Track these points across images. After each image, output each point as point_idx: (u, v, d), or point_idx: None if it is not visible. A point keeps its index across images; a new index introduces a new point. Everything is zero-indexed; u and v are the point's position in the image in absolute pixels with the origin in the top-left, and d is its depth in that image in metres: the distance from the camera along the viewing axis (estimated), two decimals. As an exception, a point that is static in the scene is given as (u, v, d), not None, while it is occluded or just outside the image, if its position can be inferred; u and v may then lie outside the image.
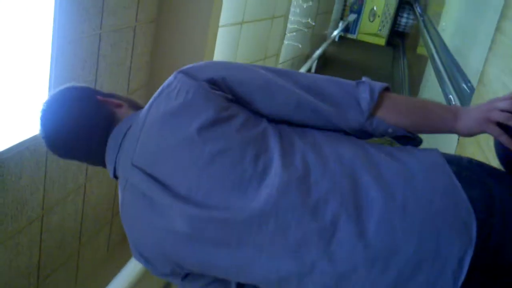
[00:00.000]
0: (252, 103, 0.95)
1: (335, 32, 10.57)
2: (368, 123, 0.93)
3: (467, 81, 3.41)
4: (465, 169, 0.87)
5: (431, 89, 4.97)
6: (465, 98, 3.31)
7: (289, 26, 6.48)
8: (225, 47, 4.38)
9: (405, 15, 12.04)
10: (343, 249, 0.79)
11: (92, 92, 1.12)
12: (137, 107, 1.11)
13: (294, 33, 7.00)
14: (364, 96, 0.93)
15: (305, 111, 0.94)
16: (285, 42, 6.38)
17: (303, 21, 7.20)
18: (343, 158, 0.87)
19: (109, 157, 1.01)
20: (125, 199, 0.97)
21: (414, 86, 6.67)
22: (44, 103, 1.07)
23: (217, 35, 3.49)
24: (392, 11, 11.98)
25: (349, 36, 12.44)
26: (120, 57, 2.93)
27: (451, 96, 3.67)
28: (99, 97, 1.09)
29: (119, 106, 1.09)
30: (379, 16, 12.14)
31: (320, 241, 0.80)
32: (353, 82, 0.97)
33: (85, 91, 1.12)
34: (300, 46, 7.44)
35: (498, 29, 2.84)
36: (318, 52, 8.13)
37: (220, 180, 0.86)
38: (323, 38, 9.50)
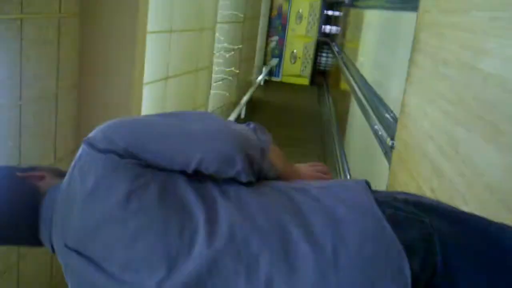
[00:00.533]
0: (160, 165, 0.89)
1: (260, 77, 10.82)
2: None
3: (389, 111, 3.56)
4: (400, 210, 0.85)
5: (358, 122, 5.14)
6: (390, 127, 3.44)
7: (214, 76, 6.57)
8: (152, 103, 4.35)
9: (324, 54, 12.54)
10: None
11: (10, 170, 1.06)
12: (62, 174, 1.04)
13: (220, 82, 7.10)
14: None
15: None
16: (212, 91, 6.44)
17: (227, 69, 7.32)
18: (269, 212, 0.83)
19: (43, 236, 0.94)
20: (68, 282, 0.92)
21: (342, 121, 6.88)
22: None
23: (142, 92, 3.46)
24: (311, 52, 12.46)
25: (274, 79, 12.77)
26: (43, 127, 2.84)
27: (376, 126, 3.81)
28: (18, 173, 1.02)
29: (42, 178, 1.03)
30: (299, 58, 12.58)
31: None
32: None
33: (2, 171, 1.07)
34: (227, 94, 7.53)
35: (411, 61, 3.00)
36: (245, 98, 8.26)
37: (147, 258, 0.81)
38: (249, 84, 9.68)
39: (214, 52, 6.18)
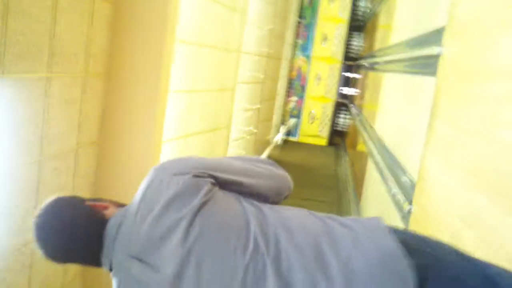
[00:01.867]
0: (228, 186, 1.17)
1: (278, 136, 10.89)
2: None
3: (407, 175, 3.53)
4: (410, 238, 1.07)
5: (374, 184, 5.10)
6: (407, 191, 3.40)
7: (233, 134, 6.64)
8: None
9: (342, 115, 12.63)
10: None
11: (80, 200, 1.29)
12: (120, 205, 1.30)
13: (238, 141, 7.16)
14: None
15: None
16: (230, 149, 6.49)
17: (246, 129, 7.40)
18: (307, 229, 1.06)
19: (106, 253, 1.15)
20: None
21: (358, 182, 6.83)
22: (38, 216, 1.21)
23: (160, 151, 3.50)
24: (329, 112, 12.57)
25: (291, 138, 12.83)
26: (61, 182, 2.86)
27: (394, 190, 3.77)
28: (88, 203, 1.26)
29: (106, 208, 1.27)
30: (317, 118, 12.68)
31: None
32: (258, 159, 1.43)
33: (74, 200, 1.29)
34: (244, 152, 7.57)
35: (429, 126, 3.00)
36: (262, 156, 8.29)
37: (209, 258, 1.00)
38: (267, 143, 9.74)
39: (233, 111, 6.28)
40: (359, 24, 12.19)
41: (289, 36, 11.33)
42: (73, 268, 3.20)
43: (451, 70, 2.77)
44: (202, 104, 4.98)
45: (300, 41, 12.48)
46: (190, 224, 1.03)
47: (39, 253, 1.20)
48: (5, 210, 2.44)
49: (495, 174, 1.90)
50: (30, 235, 2.61)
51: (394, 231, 1.06)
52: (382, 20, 8.43)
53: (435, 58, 3.12)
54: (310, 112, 12.68)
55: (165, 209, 1.07)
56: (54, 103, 2.64)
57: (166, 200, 1.08)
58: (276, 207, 1.18)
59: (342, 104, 12.54)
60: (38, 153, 2.57)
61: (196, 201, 1.06)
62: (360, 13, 12.28)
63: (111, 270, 1.12)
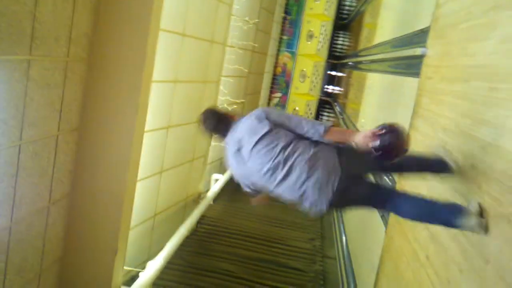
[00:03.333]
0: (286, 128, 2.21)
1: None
2: (322, 139, 2.13)
3: (388, 174, 3.56)
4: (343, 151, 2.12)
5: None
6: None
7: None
8: (152, 150, 4.36)
9: (325, 113, 12.68)
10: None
11: (225, 111, 2.47)
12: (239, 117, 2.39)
13: (221, 134, 7.13)
14: (321, 129, 2.13)
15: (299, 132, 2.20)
16: (213, 143, 6.48)
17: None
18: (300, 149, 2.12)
19: (229, 134, 2.32)
20: (230, 157, 2.32)
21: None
22: (203, 112, 2.43)
23: (142, 141, 3.47)
24: (313, 110, 12.61)
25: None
26: (41, 168, 2.83)
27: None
28: (226, 114, 2.43)
29: (233, 117, 2.39)
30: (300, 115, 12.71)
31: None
32: (318, 122, 2.19)
33: (222, 111, 2.47)
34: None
35: (411, 125, 3.03)
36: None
37: (264, 157, 2.14)
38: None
39: (217, 104, 6.26)
40: (344, 22, 12.24)
41: (275, 31, 11.33)
42: (51, 254, 3.17)
43: (434, 70, 2.80)
44: (185, 95, 4.96)
45: (285, 37, 12.49)
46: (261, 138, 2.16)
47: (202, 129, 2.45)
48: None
49: (473, 172, 1.92)
50: (7, 220, 2.58)
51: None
52: (367, 20, 8.47)
53: (419, 58, 3.15)
54: (294, 108, 12.71)
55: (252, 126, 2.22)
56: (35, 87, 2.60)
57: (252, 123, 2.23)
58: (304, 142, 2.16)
59: (326, 102, 12.60)
60: (18, 137, 2.53)
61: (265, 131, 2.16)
62: (345, 11, 12.34)
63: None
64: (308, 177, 2.04)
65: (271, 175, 2.11)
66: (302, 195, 2.07)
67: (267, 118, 2.19)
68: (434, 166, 2.20)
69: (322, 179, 2.02)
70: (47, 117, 2.79)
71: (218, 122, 2.36)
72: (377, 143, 1.93)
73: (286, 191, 2.11)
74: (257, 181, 2.23)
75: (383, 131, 1.94)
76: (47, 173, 2.92)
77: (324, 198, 2.04)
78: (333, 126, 2.15)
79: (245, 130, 2.22)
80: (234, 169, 2.35)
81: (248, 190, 2.40)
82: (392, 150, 1.94)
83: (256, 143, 2.14)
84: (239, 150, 2.23)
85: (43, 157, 2.83)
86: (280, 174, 2.09)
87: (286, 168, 2.08)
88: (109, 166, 3.26)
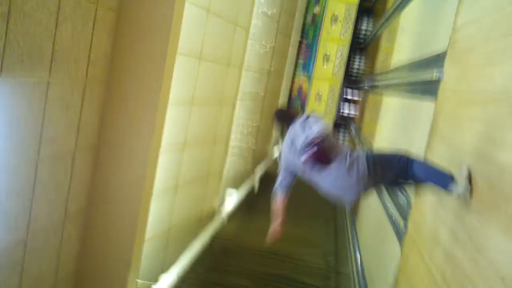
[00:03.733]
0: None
1: (276, 153, 10.89)
2: None
3: (404, 192, 3.53)
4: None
5: (372, 201, 5.09)
6: (403, 209, 3.40)
7: (231, 149, 6.64)
8: (167, 167, 4.38)
9: (341, 134, 12.66)
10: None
11: (291, 110, 3.15)
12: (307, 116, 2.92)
13: (236, 157, 7.15)
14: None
15: None
16: (228, 162, 6.48)
17: (244, 145, 7.40)
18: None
19: (290, 127, 2.88)
20: (283, 146, 2.90)
21: (356, 204, 6.81)
22: (278, 110, 3.22)
23: (158, 158, 3.49)
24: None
25: (289, 157, 12.82)
26: (57, 184, 2.86)
27: (390, 207, 3.77)
28: (293, 112, 3.04)
29: (296, 115, 2.96)
30: (316, 138, 12.69)
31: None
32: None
33: (291, 110, 3.16)
34: (242, 166, 7.57)
35: (428, 146, 3.01)
36: (260, 172, 8.30)
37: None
38: (264, 158, 9.74)
39: (233, 126, 6.28)
40: (360, 46, 12.28)
41: (291, 55, 11.40)
42: (66, 267, 3.18)
43: (451, 93, 2.78)
44: (201, 117, 4.99)
45: (301, 61, 12.56)
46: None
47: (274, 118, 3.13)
48: (1, 207, 2.43)
49: (491, 192, 1.90)
50: (23, 233, 2.60)
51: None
52: (383, 44, 8.50)
53: (435, 82, 3.14)
54: (309, 131, 12.71)
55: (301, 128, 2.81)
56: (54, 107, 2.65)
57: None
58: None
59: (341, 125, 12.58)
60: (35, 153, 2.56)
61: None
62: (362, 35, 12.38)
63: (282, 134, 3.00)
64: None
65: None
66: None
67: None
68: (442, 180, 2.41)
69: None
70: (65, 135, 2.83)
71: (284, 118, 3.00)
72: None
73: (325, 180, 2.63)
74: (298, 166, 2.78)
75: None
76: (63, 188, 2.95)
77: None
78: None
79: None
80: (285, 155, 2.89)
81: (286, 172, 2.90)
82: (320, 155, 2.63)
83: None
84: (292, 143, 2.79)
85: (59, 173, 2.86)
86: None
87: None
88: (124, 184, 3.28)
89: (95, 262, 3.35)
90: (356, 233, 5.98)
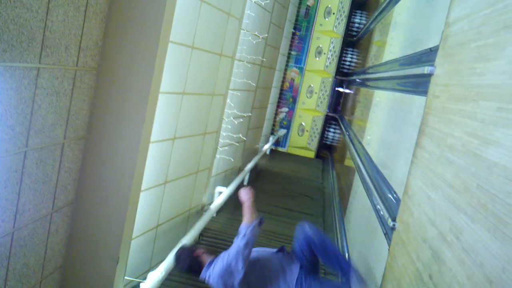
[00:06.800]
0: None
1: (266, 146, 10.89)
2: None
3: (392, 192, 3.53)
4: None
5: (360, 200, 5.10)
6: (391, 208, 3.40)
7: (221, 140, 6.62)
8: (156, 161, 4.36)
9: (331, 129, 12.68)
10: None
11: (191, 249, 3.24)
12: (210, 252, 3.19)
13: (226, 148, 7.15)
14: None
15: None
16: (217, 156, 6.47)
17: (235, 136, 7.39)
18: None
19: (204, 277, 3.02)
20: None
21: (344, 197, 6.84)
22: (175, 255, 3.28)
23: (148, 150, 3.47)
24: (319, 126, 12.61)
25: (280, 149, 12.85)
26: (45, 175, 2.83)
27: (378, 206, 3.77)
28: (195, 252, 3.18)
29: (201, 254, 3.14)
30: (307, 131, 12.72)
31: None
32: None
33: (187, 250, 3.25)
34: (232, 159, 7.56)
35: (417, 144, 3.01)
36: (249, 165, 8.28)
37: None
38: (255, 152, 9.73)
39: (223, 117, 6.26)
40: (353, 39, 12.28)
41: (284, 46, 11.37)
42: (54, 261, 3.16)
43: (442, 89, 2.79)
44: (192, 107, 4.97)
45: (294, 53, 12.54)
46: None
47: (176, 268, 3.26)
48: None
49: (479, 191, 1.91)
50: (10, 225, 2.57)
51: None
52: (376, 37, 8.49)
53: (427, 77, 3.14)
54: (300, 124, 12.72)
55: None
56: (43, 95, 2.62)
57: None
58: None
59: (333, 118, 12.60)
60: (24, 143, 2.54)
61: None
62: (355, 29, 12.38)
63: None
64: None
65: None
66: None
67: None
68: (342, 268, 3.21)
69: None
70: (54, 124, 2.80)
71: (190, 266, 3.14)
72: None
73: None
74: None
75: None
76: (51, 180, 2.93)
77: None
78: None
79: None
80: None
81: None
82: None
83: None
84: None
85: (48, 165, 2.84)
86: None
87: None
88: (113, 175, 3.26)
89: (82, 257, 3.33)
90: (345, 232, 6.01)
